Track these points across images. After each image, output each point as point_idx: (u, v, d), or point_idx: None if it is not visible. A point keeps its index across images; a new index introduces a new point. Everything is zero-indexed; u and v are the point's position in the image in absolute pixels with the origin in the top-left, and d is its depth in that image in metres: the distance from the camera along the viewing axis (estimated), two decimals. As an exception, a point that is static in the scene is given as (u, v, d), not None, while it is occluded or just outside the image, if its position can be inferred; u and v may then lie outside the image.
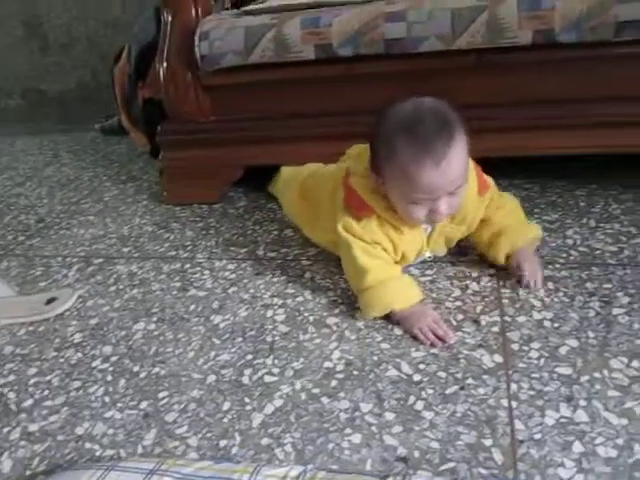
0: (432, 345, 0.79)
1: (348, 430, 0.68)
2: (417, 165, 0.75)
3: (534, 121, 1.07)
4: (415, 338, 0.81)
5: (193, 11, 1.19)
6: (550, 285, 0.88)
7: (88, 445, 0.71)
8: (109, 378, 0.81)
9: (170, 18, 1.21)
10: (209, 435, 0.70)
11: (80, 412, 0.76)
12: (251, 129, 1.23)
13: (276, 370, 0.79)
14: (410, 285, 0.86)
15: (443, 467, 0.62)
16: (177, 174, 1.32)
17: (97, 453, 0.69)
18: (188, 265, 1.08)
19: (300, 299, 0.93)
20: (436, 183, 0.76)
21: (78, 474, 0.63)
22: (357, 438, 0.66)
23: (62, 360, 0.87)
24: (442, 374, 0.74)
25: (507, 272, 0.91)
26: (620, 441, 0.62)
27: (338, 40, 1.05)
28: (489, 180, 0.91)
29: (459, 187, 0.79)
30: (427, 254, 0.93)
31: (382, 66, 1.08)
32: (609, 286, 0.86)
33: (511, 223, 0.91)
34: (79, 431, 0.73)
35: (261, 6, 1.14)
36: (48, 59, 2.10)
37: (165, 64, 1.22)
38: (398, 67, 1.07)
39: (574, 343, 0.76)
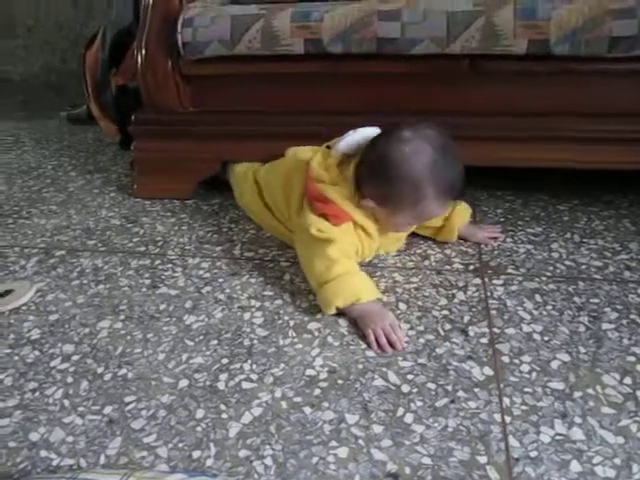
0: (380, 349, 0.77)
1: (333, 443, 0.63)
2: (441, 204, 0.86)
3: (522, 132, 1.05)
4: (365, 337, 0.79)
5: (177, -4, 1.13)
6: (538, 298, 0.86)
7: (44, 453, 0.63)
8: (69, 379, 0.74)
9: (151, 2, 1.14)
10: (181, 445, 0.64)
11: (36, 416, 0.69)
12: (231, 123, 1.17)
13: (254, 376, 0.73)
14: (371, 281, 0.87)
15: (436, 485, 0.58)
16: (149, 166, 1.25)
17: (54, 462, 0.62)
18: (158, 262, 1.02)
19: (279, 302, 0.88)
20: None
21: (32, 486, 0.57)
22: (343, 452, 0.62)
23: (17, 358, 0.79)
24: (431, 385, 0.70)
25: (493, 283, 0.90)
26: (618, 461, 0.59)
27: (329, 36, 1.01)
28: None
29: None
30: (380, 251, 0.99)
31: (372, 66, 1.04)
32: (597, 301, 0.85)
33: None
34: (34, 437, 0.66)
35: (249, -4, 1.10)
36: (13, 41, 1.99)
37: (144, 50, 1.15)
38: (389, 68, 1.04)
39: (565, 357, 0.74)
